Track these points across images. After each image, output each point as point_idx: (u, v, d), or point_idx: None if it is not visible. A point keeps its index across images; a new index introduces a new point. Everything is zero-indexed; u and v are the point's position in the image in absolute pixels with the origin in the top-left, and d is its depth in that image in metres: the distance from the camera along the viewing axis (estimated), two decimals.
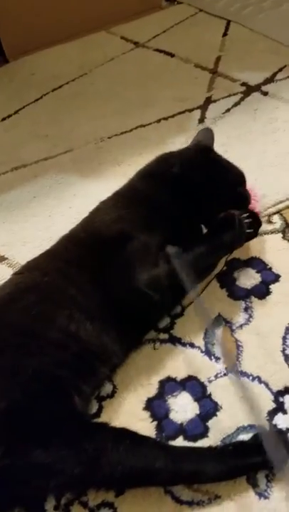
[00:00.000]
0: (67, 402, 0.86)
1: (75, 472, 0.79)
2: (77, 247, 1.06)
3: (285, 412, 0.91)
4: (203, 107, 1.62)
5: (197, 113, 1.61)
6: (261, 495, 0.83)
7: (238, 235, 1.05)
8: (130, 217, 1.07)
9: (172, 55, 1.89)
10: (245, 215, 1.05)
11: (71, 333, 0.92)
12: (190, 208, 1.09)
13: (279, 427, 0.90)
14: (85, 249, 1.04)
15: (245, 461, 0.84)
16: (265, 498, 0.83)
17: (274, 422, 0.90)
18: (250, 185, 1.18)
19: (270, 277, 1.12)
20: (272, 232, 1.20)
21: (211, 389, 0.96)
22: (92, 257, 1.02)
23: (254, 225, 1.07)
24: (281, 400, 0.93)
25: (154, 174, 1.17)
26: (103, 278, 0.98)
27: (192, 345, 1.03)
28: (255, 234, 1.09)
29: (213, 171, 1.14)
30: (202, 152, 1.16)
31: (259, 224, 1.08)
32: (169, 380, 0.98)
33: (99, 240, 1.04)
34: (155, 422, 0.93)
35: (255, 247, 1.18)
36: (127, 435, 0.83)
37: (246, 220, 1.04)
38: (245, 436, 0.89)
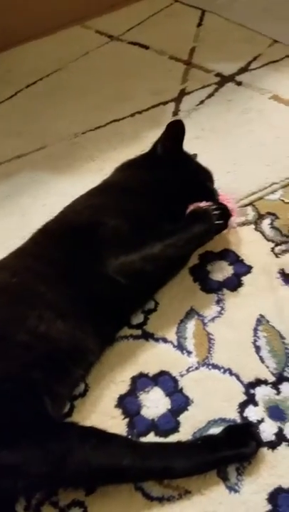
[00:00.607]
0: (35, 404, 0.85)
1: (43, 472, 0.78)
2: (48, 239, 1.06)
3: (256, 404, 0.91)
4: (178, 100, 1.61)
5: (171, 106, 1.59)
6: (232, 488, 0.83)
7: (208, 227, 1.04)
8: (102, 205, 1.07)
9: (147, 48, 1.87)
10: (214, 206, 1.04)
11: (41, 334, 0.91)
12: (163, 196, 1.09)
13: (250, 419, 0.89)
14: (56, 240, 1.04)
15: (215, 455, 0.83)
16: (236, 491, 0.82)
17: (245, 415, 0.90)
18: (224, 191, 1.18)
19: (242, 269, 1.11)
20: (244, 223, 1.19)
21: (182, 383, 0.96)
22: (63, 247, 1.01)
23: (224, 216, 1.06)
24: (252, 391, 0.92)
25: (131, 163, 1.20)
26: (74, 268, 0.97)
27: (164, 340, 1.03)
28: (225, 225, 1.08)
29: (186, 160, 1.18)
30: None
31: (228, 215, 1.07)
32: (141, 376, 0.98)
33: (70, 229, 1.04)
34: (127, 419, 0.92)
35: (227, 239, 1.17)
36: (93, 434, 0.83)
37: (215, 212, 1.03)
38: (216, 430, 0.88)
